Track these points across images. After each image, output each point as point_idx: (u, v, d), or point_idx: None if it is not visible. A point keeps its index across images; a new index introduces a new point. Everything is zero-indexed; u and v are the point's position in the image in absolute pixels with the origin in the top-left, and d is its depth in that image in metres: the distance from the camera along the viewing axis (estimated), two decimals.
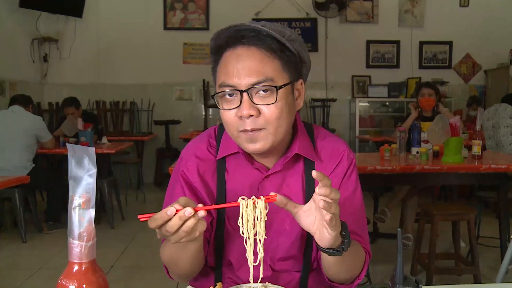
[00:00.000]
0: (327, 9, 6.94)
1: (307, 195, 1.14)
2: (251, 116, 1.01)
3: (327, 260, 1.02)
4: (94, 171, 0.67)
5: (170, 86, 7.09)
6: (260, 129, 1.03)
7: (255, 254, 0.93)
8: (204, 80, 6.63)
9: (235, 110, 1.03)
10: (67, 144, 0.68)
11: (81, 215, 0.67)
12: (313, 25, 7.11)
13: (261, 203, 0.89)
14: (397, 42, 7.19)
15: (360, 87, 7.19)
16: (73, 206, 0.67)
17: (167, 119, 6.78)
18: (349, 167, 1.17)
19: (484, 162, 3.10)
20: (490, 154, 3.72)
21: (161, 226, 0.85)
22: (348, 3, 6.97)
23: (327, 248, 0.95)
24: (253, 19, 6.96)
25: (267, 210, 0.91)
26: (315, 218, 0.93)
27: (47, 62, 6.92)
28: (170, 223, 0.83)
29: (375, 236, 4.06)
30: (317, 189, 0.86)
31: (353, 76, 7.21)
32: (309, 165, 1.15)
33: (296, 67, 1.09)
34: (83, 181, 0.66)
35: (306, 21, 7.10)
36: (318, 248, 0.98)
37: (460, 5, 7.18)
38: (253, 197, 0.90)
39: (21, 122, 4.19)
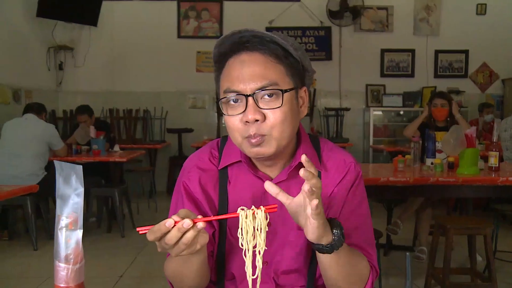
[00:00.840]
0: (341, 18, 6.90)
1: None
2: (257, 121, 1.00)
3: (321, 261, 1.00)
4: (81, 190, 0.64)
5: (183, 94, 7.10)
6: (263, 134, 1.01)
7: (254, 266, 0.89)
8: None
9: (240, 115, 1.02)
10: (54, 161, 0.66)
11: (68, 236, 0.63)
12: (327, 34, 7.07)
13: (261, 213, 0.86)
14: (412, 51, 7.11)
15: (375, 96, 7.11)
16: (59, 227, 0.63)
17: (180, 127, 6.78)
18: (356, 179, 1.15)
19: (501, 175, 3.00)
20: (508, 165, 3.62)
21: (160, 238, 0.82)
22: (363, 11, 6.92)
23: (317, 243, 0.94)
24: (267, 28, 6.96)
25: (268, 220, 0.88)
26: (304, 211, 0.91)
27: (62, 70, 6.99)
28: (169, 235, 0.81)
29: (388, 248, 3.98)
30: (300, 172, 0.86)
31: (367, 85, 7.14)
32: None
33: (299, 74, 1.08)
34: (70, 200, 0.63)
35: (320, 30, 7.06)
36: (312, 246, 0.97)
37: (477, 13, 7.08)
38: (253, 207, 0.88)
39: (34, 130, 4.21)
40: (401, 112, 7.08)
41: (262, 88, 1.00)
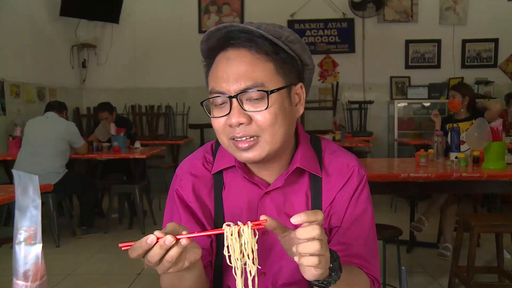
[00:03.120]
0: (364, 9, 6.73)
1: None
2: (241, 124, 0.93)
3: None
4: (38, 202, 0.59)
5: (205, 89, 7.01)
6: (253, 136, 0.94)
7: (247, 286, 0.81)
8: None
9: (224, 117, 0.95)
10: (12, 170, 0.62)
11: (27, 251, 0.59)
12: (350, 26, 6.92)
13: (247, 230, 0.77)
14: (438, 41, 6.88)
15: (399, 88, 6.94)
16: (17, 241, 0.59)
17: (202, 123, 6.75)
18: (359, 185, 1.06)
19: None
20: None
21: (142, 256, 0.76)
22: (386, 2, 6.74)
23: (313, 280, 0.84)
24: (288, 21, 6.88)
25: (257, 237, 0.79)
26: None
27: (85, 67, 7.06)
28: (151, 253, 0.75)
29: (412, 245, 3.87)
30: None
31: (391, 77, 6.96)
32: (315, 181, 1.05)
33: (294, 70, 1.00)
34: (28, 213, 0.59)
35: (342, 22, 6.92)
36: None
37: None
38: (239, 223, 0.79)
39: (55, 128, 4.25)
40: (427, 104, 6.88)
41: (245, 90, 0.93)
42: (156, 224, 4.84)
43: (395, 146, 6.70)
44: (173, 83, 7.02)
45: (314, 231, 0.76)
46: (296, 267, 1.03)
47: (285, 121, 0.97)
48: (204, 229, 1.05)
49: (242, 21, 6.94)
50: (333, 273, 0.84)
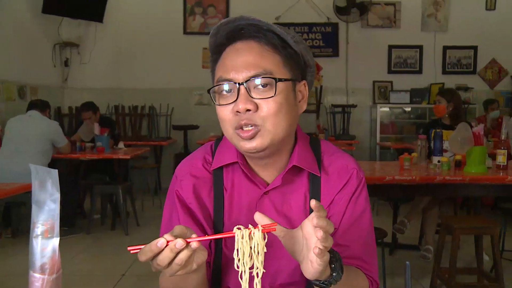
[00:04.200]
0: (349, 14, 6.82)
1: None
2: (248, 110, 0.94)
3: None
4: (57, 196, 0.60)
5: (189, 90, 7.07)
6: (257, 125, 0.95)
7: None
8: None
9: (231, 105, 0.96)
10: (29, 165, 0.62)
11: (44, 244, 0.60)
12: (334, 30, 7.00)
13: (258, 234, 0.78)
14: (420, 47, 7.02)
15: (382, 92, 7.04)
16: (34, 235, 0.60)
17: (186, 124, 6.75)
18: (358, 187, 1.08)
19: (509, 173, 2.95)
20: None
21: (152, 259, 0.76)
22: (370, 7, 6.84)
23: (314, 280, 0.85)
24: (274, 24, 6.89)
25: (266, 241, 0.80)
26: (302, 247, 0.83)
27: (68, 66, 6.98)
28: (161, 256, 0.74)
29: (394, 247, 3.93)
30: (314, 220, 0.77)
31: (374, 82, 7.07)
32: (315, 181, 1.06)
33: (298, 67, 1.02)
34: (46, 207, 0.59)
35: (327, 26, 6.99)
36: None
37: (486, 9, 6.98)
38: (250, 226, 0.79)
39: (37, 127, 4.19)
40: (409, 109, 7.00)
41: (255, 76, 0.95)
42: (139, 225, 4.80)
43: (377, 150, 6.80)
44: (157, 84, 6.99)
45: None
46: (294, 268, 1.05)
47: (288, 114, 0.98)
48: (203, 230, 1.05)
49: None
50: (334, 273, 0.85)
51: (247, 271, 0.79)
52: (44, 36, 6.51)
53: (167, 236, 0.74)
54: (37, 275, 0.61)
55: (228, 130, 0.99)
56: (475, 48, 7.01)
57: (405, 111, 7.06)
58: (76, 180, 4.60)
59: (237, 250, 0.79)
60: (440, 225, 3.15)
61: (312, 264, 0.79)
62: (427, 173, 2.99)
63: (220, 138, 1.13)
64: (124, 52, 6.98)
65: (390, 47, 7.03)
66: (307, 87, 1.06)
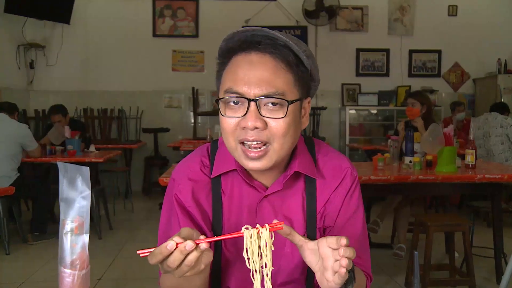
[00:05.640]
0: (317, 17, 6.92)
1: (308, 215, 1.08)
2: (256, 128, 0.94)
3: None
4: (88, 192, 0.61)
5: (159, 93, 7.01)
6: (265, 143, 0.96)
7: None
8: (193, 88, 6.57)
9: (238, 119, 0.95)
10: (58, 163, 0.62)
11: (74, 241, 0.60)
12: (303, 33, 7.09)
13: (265, 232, 0.81)
14: (387, 51, 7.20)
15: (350, 95, 7.18)
16: (64, 231, 0.60)
17: (156, 127, 6.69)
18: (352, 185, 1.11)
19: (478, 172, 3.07)
20: (483, 163, 3.69)
21: (162, 261, 0.77)
22: (338, 11, 6.97)
23: None
24: (243, 27, 6.90)
25: (273, 239, 0.82)
26: (319, 259, 0.86)
27: (33, 68, 6.80)
28: (171, 258, 0.76)
29: None
30: (341, 251, 0.80)
31: (343, 84, 7.20)
32: (310, 183, 1.09)
33: (306, 84, 1.02)
34: (76, 204, 0.60)
35: (296, 29, 7.08)
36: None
37: (449, 14, 7.23)
38: (258, 225, 0.82)
39: (6, 130, 4.07)
40: (377, 111, 7.17)
41: (267, 96, 0.94)
42: (112, 229, 4.73)
43: (347, 151, 6.92)
44: (126, 87, 6.91)
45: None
46: (293, 267, 1.08)
47: (294, 133, 0.99)
48: (203, 233, 1.05)
49: (196, 26, 6.97)
50: (349, 286, 0.89)
51: (259, 269, 0.82)
52: (7, 37, 6.33)
53: (176, 239, 0.76)
54: (68, 270, 0.61)
55: (231, 142, 0.99)
56: (439, 52, 7.25)
57: (373, 113, 7.22)
58: (47, 184, 4.48)
59: (246, 249, 0.81)
60: (414, 224, 3.25)
61: (329, 282, 0.83)
62: (400, 173, 3.08)
63: (215, 141, 1.13)
64: (92, 54, 6.86)
65: (358, 50, 7.18)
66: (310, 104, 1.07)
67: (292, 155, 1.08)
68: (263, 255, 0.82)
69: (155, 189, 6.56)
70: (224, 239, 1.04)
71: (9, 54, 6.36)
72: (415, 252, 0.79)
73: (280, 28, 6.89)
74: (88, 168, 0.61)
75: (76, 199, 0.61)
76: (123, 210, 5.69)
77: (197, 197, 1.07)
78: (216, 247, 1.08)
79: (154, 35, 7.01)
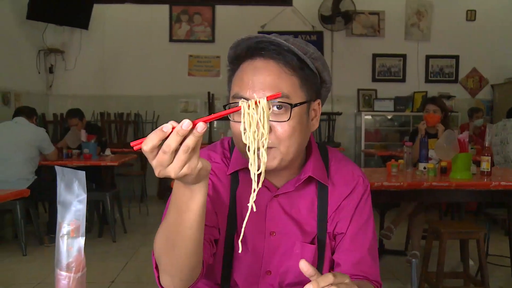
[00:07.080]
0: (333, 23, 6.91)
1: (319, 221, 1.10)
2: None
3: None
4: (84, 196, 0.62)
5: (175, 98, 7.07)
6: (271, 147, 0.97)
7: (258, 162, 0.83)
8: (209, 93, 6.61)
9: None
10: (56, 167, 0.64)
11: (70, 244, 0.62)
12: (319, 39, 7.08)
13: (263, 101, 0.81)
14: (404, 56, 7.15)
15: (366, 100, 7.14)
16: (61, 234, 0.61)
17: None
18: (364, 194, 1.13)
19: (493, 179, 3.02)
20: (499, 170, 3.64)
21: (157, 146, 0.71)
22: (354, 16, 6.95)
23: None
24: (259, 32, 6.94)
25: (271, 110, 0.84)
26: None
27: (52, 73, 6.93)
28: (168, 141, 0.70)
29: (381, 252, 3.98)
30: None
31: (359, 90, 7.17)
32: (322, 189, 1.11)
33: (314, 87, 1.04)
34: (72, 207, 0.61)
35: (312, 34, 7.08)
36: None
37: (467, 19, 7.15)
38: (255, 95, 0.93)
39: (24, 133, 4.16)
40: (393, 117, 7.12)
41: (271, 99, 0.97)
42: (126, 232, 4.78)
43: (362, 157, 6.88)
44: (143, 91, 6.99)
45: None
46: None
47: (301, 135, 1.01)
48: (216, 219, 1.06)
49: (212, 31, 7.02)
50: None
51: (254, 142, 0.81)
52: (28, 42, 6.47)
53: (173, 122, 0.71)
54: (63, 273, 0.62)
55: (241, 146, 0.99)
56: (456, 57, 7.17)
57: (389, 119, 7.17)
58: None
59: (244, 123, 0.81)
60: (427, 230, 3.21)
61: None
62: (414, 179, 3.05)
63: None
64: (109, 59, 6.96)
65: (374, 56, 7.15)
66: (320, 106, 1.09)
67: (306, 159, 1.10)
68: (260, 125, 0.81)
69: (169, 193, 6.57)
70: (232, 226, 1.05)
71: (30, 59, 6.51)
72: (413, 260, 0.78)
73: (295, 34, 6.94)
74: (84, 172, 0.62)
75: (72, 203, 0.62)
76: (138, 214, 5.74)
77: (217, 185, 1.09)
78: (226, 242, 1.09)
79: (171, 40, 7.08)
